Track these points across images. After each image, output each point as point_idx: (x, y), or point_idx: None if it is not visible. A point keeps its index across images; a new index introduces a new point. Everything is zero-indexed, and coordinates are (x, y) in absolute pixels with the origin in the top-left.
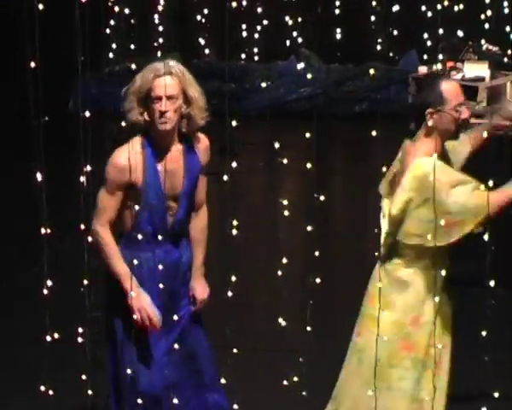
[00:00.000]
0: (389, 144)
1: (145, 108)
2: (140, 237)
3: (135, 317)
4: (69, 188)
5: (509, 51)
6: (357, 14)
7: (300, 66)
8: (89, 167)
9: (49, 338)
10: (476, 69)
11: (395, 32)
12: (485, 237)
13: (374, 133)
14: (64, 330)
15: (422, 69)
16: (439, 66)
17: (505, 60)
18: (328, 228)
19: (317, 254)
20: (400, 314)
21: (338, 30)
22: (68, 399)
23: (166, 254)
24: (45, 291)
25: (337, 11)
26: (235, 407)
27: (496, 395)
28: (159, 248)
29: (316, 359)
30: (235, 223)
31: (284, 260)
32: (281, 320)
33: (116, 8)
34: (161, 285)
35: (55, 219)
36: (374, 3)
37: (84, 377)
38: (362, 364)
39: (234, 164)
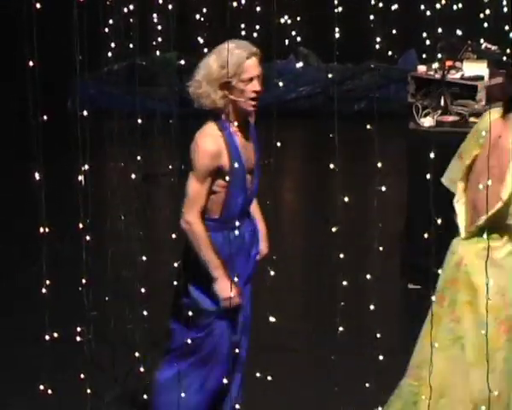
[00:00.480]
0: (387, 142)
1: (229, 90)
2: (231, 219)
3: (222, 305)
4: (68, 187)
5: (508, 50)
6: (357, 13)
7: (299, 65)
8: (87, 166)
9: (48, 337)
10: (475, 68)
11: (394, 31)
12: None
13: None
14: (64, 330)
15: (421, 68)
16: (438, 65)
17: (504, 59)
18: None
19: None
20: (496, 297)
21: (337, 29)
22: (68, 398)
23: (247, 228)
24: (44, 290)
25: (336, 10)
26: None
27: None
28: (243, 224)
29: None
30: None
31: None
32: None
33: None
34: (248, 257)
35: (53, 219)
36: (373, 2)
37: (82, 375)
38: (464, 349)
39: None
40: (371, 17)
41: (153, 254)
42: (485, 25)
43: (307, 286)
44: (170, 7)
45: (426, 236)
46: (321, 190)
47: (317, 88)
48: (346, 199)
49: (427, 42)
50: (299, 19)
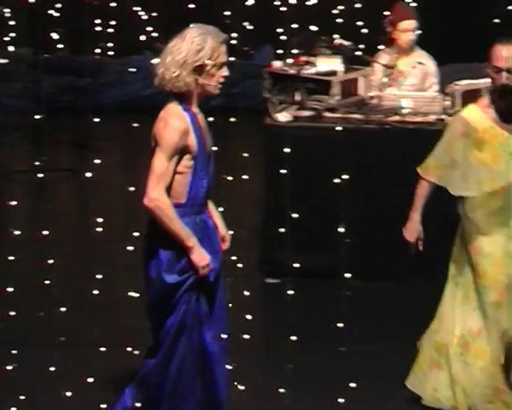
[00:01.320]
0: (244, 137)
1: (201, 74)
2: (195, 203)
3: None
4: None
5: (362, 46)
6: (212, 8)
7: (155, 61)
8: None
9: None
10: (329, 64)
11: (249, 27)
12: (341, 230)
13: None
14: None
15: (277, 64)
16: (293, 60)
17: (358, 54)
18: None
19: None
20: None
21: (192, 25)
22: None
23: (207, 214)
24: None
25: (191, 6)
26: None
27: (353, 385)
28: (206, 210)
29: None
30: (99, 220)
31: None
32: None
33: None
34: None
35: None
36: None
37: None
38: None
39: (97, 161)
40: (226, 13)
41: None
42: (339, 20)
43: None
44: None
45: (282, 230)
46: None
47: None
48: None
49: (282, 37)
50: (155, 14)
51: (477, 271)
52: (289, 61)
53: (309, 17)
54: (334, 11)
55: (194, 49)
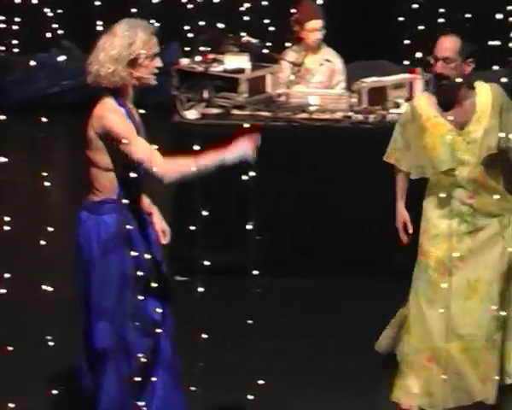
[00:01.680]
0: (153, 134)
1: (135, 67)
2: (127, 198)
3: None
4: None
5: (269, 43)
6: (119, 5)
7: (62, 58)
8: None
9: None
10: (237, 61)
11: (156, 24)
12: (249, 227)
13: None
14: None
15: (184, 61)
16: (201, 58)
17: (265, 52)
18: None
19: None
20: None
21: (98, 22)
22: None
23: (141, 210)
24: None
25: (97, 3)
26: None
27: (260, 382)
28: (139, 203)
29: None
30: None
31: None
32: None
33: None
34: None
35: None
36: None
37: None
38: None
39: (3, 159)
40: (133, 10)
41: None
42: (246, 18)
43: None
44: None
45: (192, 228)
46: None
47: (80, 81)
48: None
49: (190, 35)
50: (60, 11)
51: (420, 250)
52: (197, 58)
53: (216, 14)
54: (241, 8)
55: (126, 43)
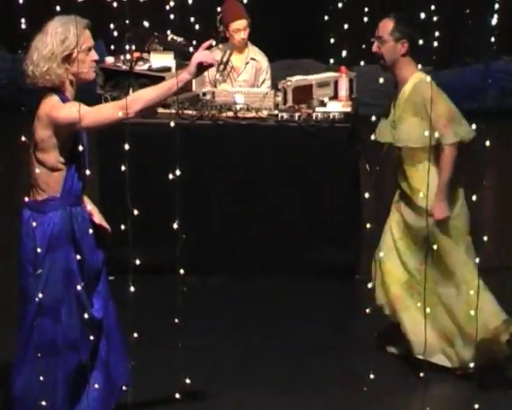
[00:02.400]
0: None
1: (70, 63)
2: (71, 197)
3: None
4: None
5: (194, 42)
6: (43, 3)
7: None
8: None
9: None
10: (162, 60)
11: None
12: (175, 226)
13: None
14: None
15: (109, 59)
16: (127, 56)
17: (190, 50)
18: None
19: None
20: None
21: (23, 20)
22: None
23: (83, 208)
24: None
25: (20, 1)
26: None
27: (187, 381)
28: (81, 202)
29: None
30: None
31: None
32: None
33: None
34: (91, 232)
35: None
36: None
37: None
38: None
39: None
40: (57, 8)
41: None
42: (171, 16)
43: None
44: None
45: (121, 227)
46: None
47: (3, 79)
48: None
49: (115, 33)
50: None
51: None
52: (122, 56)
53: (141, 13)
54: (167, 7)
55: (58, 40)
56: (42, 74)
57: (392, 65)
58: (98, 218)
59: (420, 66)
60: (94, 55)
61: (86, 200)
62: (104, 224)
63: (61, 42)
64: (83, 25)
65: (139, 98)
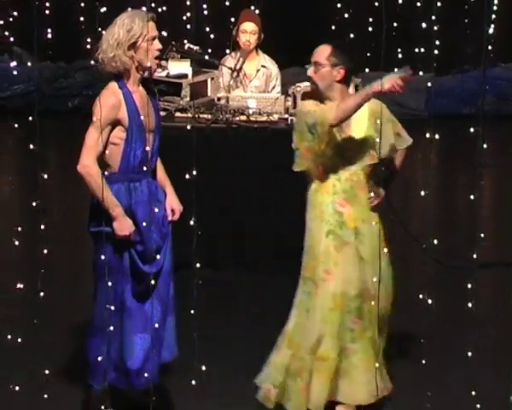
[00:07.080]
0: None
1: (136, 51)
2: (129, 172)
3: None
4: None
5: (210, 50)
6: (68, 14)
7: (13, 64)
8: None
9: None
10: (179, 67)
11: (103, 31)
12: (192, 223)
13: None
14: None
15: None
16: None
17: (206, 58)
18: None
19: None
20: None
21: (49, 30)
22: None
23: (148, 184)
24: None
25: (47, 11)
26: None
27: (203, 368)
28: (143, 179)
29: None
30: None
31: None
32: None
33: None
34: (156, 209)
35: None
36: (82, 5)
37: None
38: None
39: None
40: (81, 19)
41: None
42: (188, 26)
43: None
44: None
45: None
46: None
47: (30, 86)
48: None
49: None
50: (12, 19)
51: None
52: None
53: (160, 23)
54: (184, 17)
55: (125, 30)
56: (109, 61)
57: (326, 90)
58: (170, 200)
59: (421, 73)
60: (158, 45)
61: (164, 181)
62: (176, 208)
63: (127, 31)
64: (148, 17)
65: (91, 178)
